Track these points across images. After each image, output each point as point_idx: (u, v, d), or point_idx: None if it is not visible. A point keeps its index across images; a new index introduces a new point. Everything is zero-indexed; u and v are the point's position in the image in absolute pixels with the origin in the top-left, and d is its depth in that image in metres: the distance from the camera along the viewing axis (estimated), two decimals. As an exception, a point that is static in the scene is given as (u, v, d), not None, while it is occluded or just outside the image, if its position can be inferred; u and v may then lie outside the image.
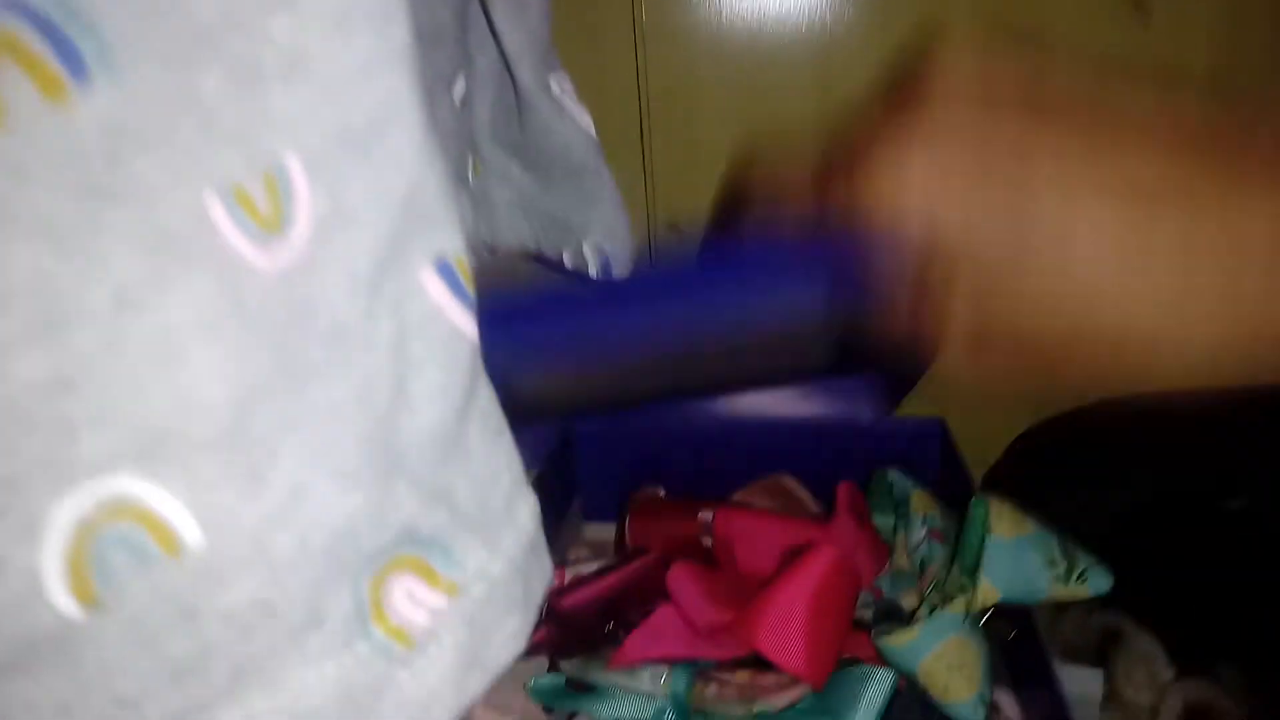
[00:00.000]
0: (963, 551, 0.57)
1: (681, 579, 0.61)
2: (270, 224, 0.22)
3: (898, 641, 0.53)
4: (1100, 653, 0.67)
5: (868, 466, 0.81)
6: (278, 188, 0.22)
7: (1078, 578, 0.53)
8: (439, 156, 0.26)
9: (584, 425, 0.86)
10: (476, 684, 0.25)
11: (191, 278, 0.21)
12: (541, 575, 0.28)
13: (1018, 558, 0.53)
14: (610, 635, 0.64)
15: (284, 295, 0.22)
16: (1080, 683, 0.63)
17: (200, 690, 0.21)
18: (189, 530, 0.21)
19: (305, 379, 0.22)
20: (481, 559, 0.26)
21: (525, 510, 0.28)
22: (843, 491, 0.67)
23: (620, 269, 0.49)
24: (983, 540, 0.54)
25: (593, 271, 0.49)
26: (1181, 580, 0.66)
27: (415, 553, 0.25)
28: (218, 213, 0.21)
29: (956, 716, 0.53)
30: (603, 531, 0.86)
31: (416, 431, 0.25)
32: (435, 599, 0.25)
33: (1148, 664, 0.63)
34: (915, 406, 0.86)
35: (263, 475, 0.21)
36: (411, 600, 0.24)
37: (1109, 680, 0.64)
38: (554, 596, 0.63)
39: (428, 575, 0.25)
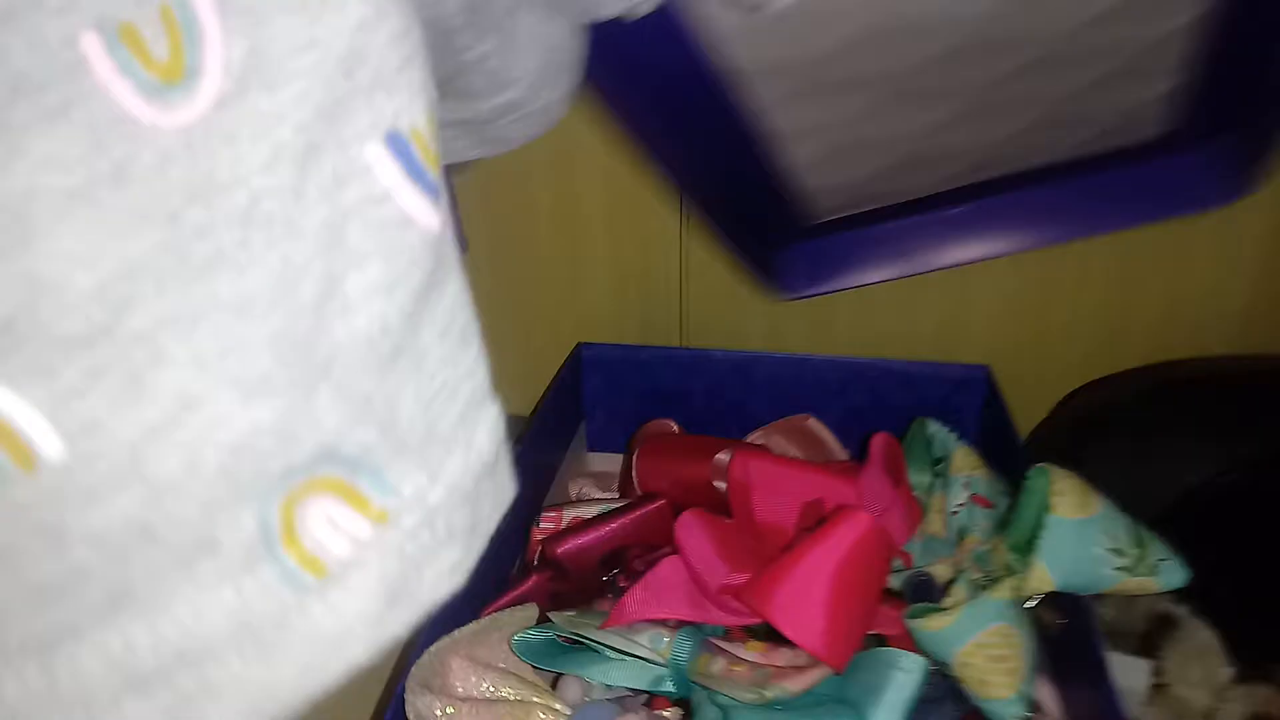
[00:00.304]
0: (1015, 525, 0.50)
1: (691, 530, 0.55)
2: (169, 73, 0.19)
3: (933, 626, 0.47)
4: (1147, 640, 0.60)
5: (901, 412, 0.74)
6: (179, 28, 0.19)
7: (1148, 570, 0.46)
8: (399, 6, 0.20)
9: (591, 350, 0.79)
10: (402, 620, 0.23)
11: (55, 131, 0.17)
12: (496, 501, 0.25)
13: (1080, 543, 0.46)
14: (610, 584, 0.58)
15: (184, 162, 0.19)
16: (1123, 673, 0.57)
17: (67, 614, 0.20)
18: (48, 443, 0.19)
19: (207, 267, 0.19)
20: (419, 484, 0.23)
21: (484, 431, 0.25)
22: (877, 443, 0.60)
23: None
24: (1040, 517, 0.47)
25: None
26: (1249, 567, 0.60)
27: (339, 474, 0.22)
28: (94, 51, 0.18)
29: (994, 716, 0.47)
30: (608, 463, 0.79)
31: (350, 335, 0.22)
32: (360, 526, 0.22)
33: (1205, 659, 0.57)
34: (959, 351, 0.79)
35: (142, 380, 0.19)
36: (332, 526, 0.21)
37: (1158, 673, 0.58)
38: (549, 542, 0.56)
39: (353, 499, 0.22)
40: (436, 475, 0.23)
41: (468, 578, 0.24)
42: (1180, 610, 0.60)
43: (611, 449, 0.81)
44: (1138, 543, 0.47)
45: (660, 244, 0.81)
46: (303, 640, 0.21)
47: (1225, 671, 0.56)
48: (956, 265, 0.72)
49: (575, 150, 0.78)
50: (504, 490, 0.26)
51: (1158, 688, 0.58)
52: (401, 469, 0.23)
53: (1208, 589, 0.59)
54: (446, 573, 0.24)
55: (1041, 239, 0.69)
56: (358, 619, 0.22)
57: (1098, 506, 0.47)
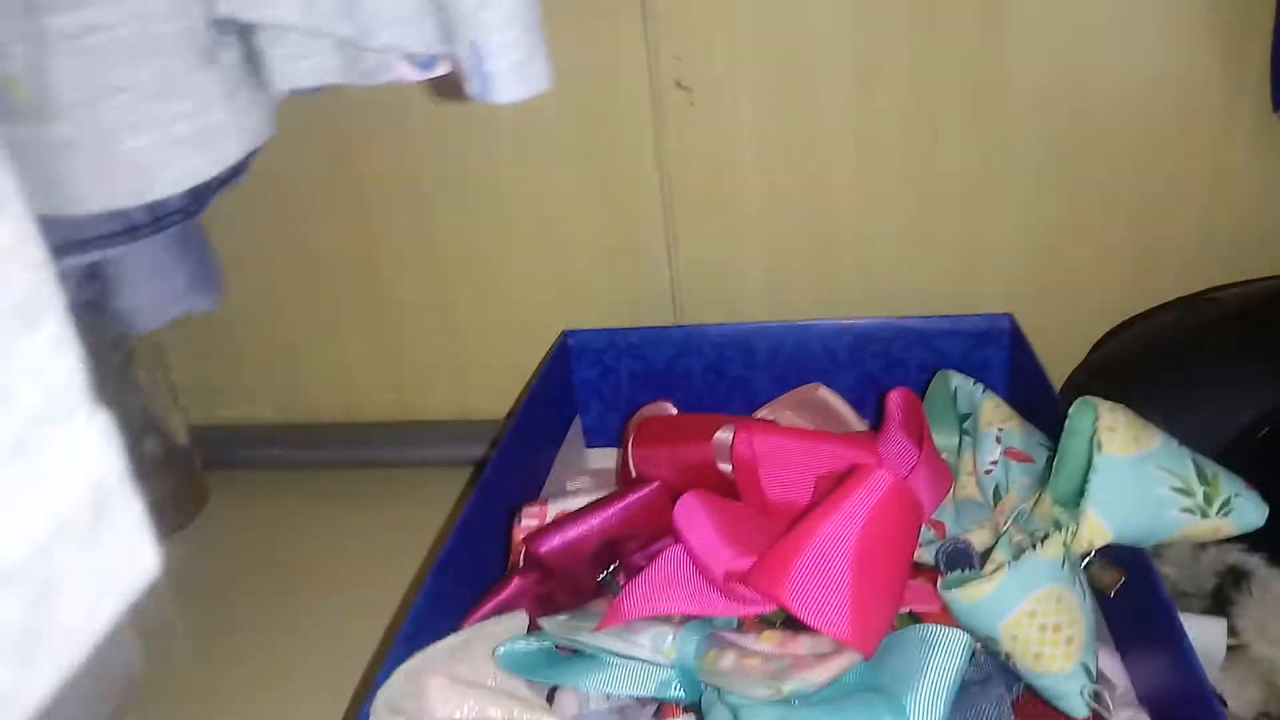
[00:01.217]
0: (1059, 474, 0.44)
1: (692, 513, 0.48)
2: None
3: (974, 595, 0.41)
4: (1217, 597, 0.53)
5: (920, 373, 0.67)
6: None
7: (1220, 509, 0.40)
8: None
9: (577, 337, 0.73)
10: None
11: None
12: (109, 586, 0.15)
13: (1138, 483, 0.40)
14: (607, 582, 0.52)
15: None
16: (1194, 635, 0.50)
17: None
18: None
19: None
20: None
21: (63, 456, 0.14)
22: (893, 400, 0.53)
23: (519, 85, 0.35)
24: (1089, 459, 0.40)
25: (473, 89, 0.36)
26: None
27: None
28: None
29: (1051, 694, 0.40)
30: (608, 458, 0.73)
31: None
32: None
33: (1287, 612, 0.50)
34: (977, 302, 0.72)
35: None
36: None
37: (1232, 633, 0.51)
38: (532, 540, 0.50)
39: None
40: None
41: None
42: (1253, 560, 0.53)
43: (610, 443, 0.75)
44: (1204, 479, 0.40)
45: (643, 216, 0.75)
46: None
47: (1314, 625, 0.49)
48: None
49: (546, 127, 0.73)
50: (127, 561, 0.16)
51: (1233, 649, 0.51)
52: None
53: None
54: None
55: None
56: None
57: (1155, 440, 0.41)
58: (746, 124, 0.71)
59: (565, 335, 0.73)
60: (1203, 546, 0.56)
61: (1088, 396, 0.42)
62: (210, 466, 0.84)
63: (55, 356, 0.14)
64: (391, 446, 0.85)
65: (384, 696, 0.41)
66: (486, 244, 0.78)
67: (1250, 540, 0.54)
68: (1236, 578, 0.53)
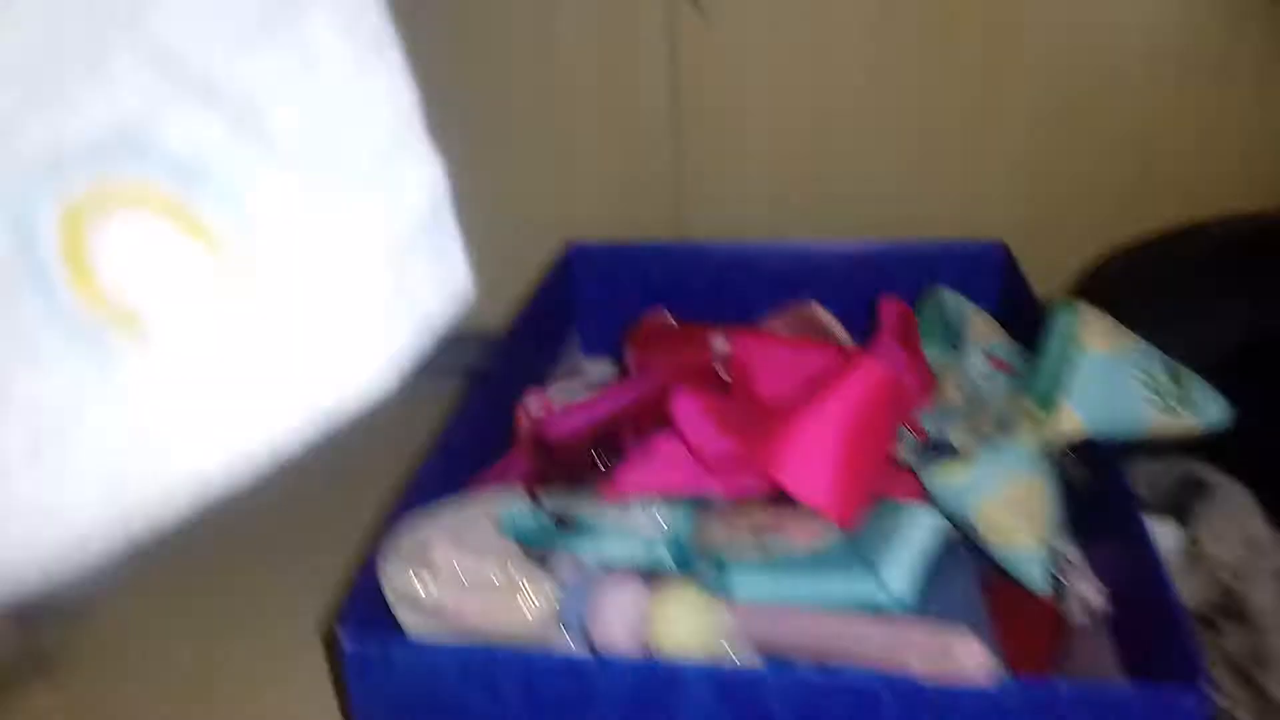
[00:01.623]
0: (1039, 370, 0.46)
1: (687, 405, 0.51)
2: None
3: (949, 477, 0.43)
4: (1178, 507, 0.57)
5: (912, 296, 0.70)
6: None
7: (1187, 407, 0.42)
8: None
9: (580, 248, 0.75)
10: (283, 423, 0.15)
11: None
12: (440, 282, 0.17)
13: (1112, 379, 0.43)
14: (602, 469, 0.55)
15: None
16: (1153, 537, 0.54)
17: None
18: None
19: None
20: (299, 220, 0.15)
21: (416, 177, 0.17)
22: (887, 309, 0.56)
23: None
24: (1067, 353, 0.43)
25: None
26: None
27: (158, 179, 0.14)
28: None
29: (1017, 569, 0.44)
30: (602, 368, 0.76)
31: None
32: (200, 271, 0.14)
33: (1239, 518, 0.53)
34: (972, 230, 0.75)
35: None
36: (145, 258, 0.14)
37: (1189, 536, 0.54)
38: (540, 425, 0.53)
39: (183, 222, 0.14)
40: (331, 212, 0.16)
41: (400, 375, 0.18)
42: (1212, 472, 0.56)
43: (608, 353, 0.77)
44: (1175, 378, 0.43)
45: (652, 134, 0.77)
46: (102, 433, 0.14)
47: (1262, 528, 0.53)
48: None
49: (561, 35, 0.74)
50: (453, 270, 0.19)
51: (1189, 552, 0.54)
52: (270, 190, 0.15)
53: (1242, 448, 0.55)
54: (356, 356, 0.16)
55: None
56: (201, 406, 0.15)
57: (1130, 342, 0.44)
58: (759, 48, 0.72)
59: (569, 246, 0.75)
60: (1167, 460, 0.59)
61: (1070, 298, 0.44)
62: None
63: (404, 82, 0.16)
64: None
65: (393, 548, 0.44)
66: (493, 155, 0.79)
67: (1212, 453, 0.57)
68: (1195, 487, 0.56)
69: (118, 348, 0.14)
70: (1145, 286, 0.62)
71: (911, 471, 0.52)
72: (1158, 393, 0.42)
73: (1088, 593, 0.42)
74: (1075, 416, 0.43)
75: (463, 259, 0.19)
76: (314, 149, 0.15)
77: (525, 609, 0.44)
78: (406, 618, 0.40)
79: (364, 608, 0.40)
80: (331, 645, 0.55)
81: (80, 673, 0.56)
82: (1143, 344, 0.44)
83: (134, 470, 0.14)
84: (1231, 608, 0.51)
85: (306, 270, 0.15)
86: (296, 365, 0.15)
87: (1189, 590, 0.53)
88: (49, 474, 0.14)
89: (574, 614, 0.42)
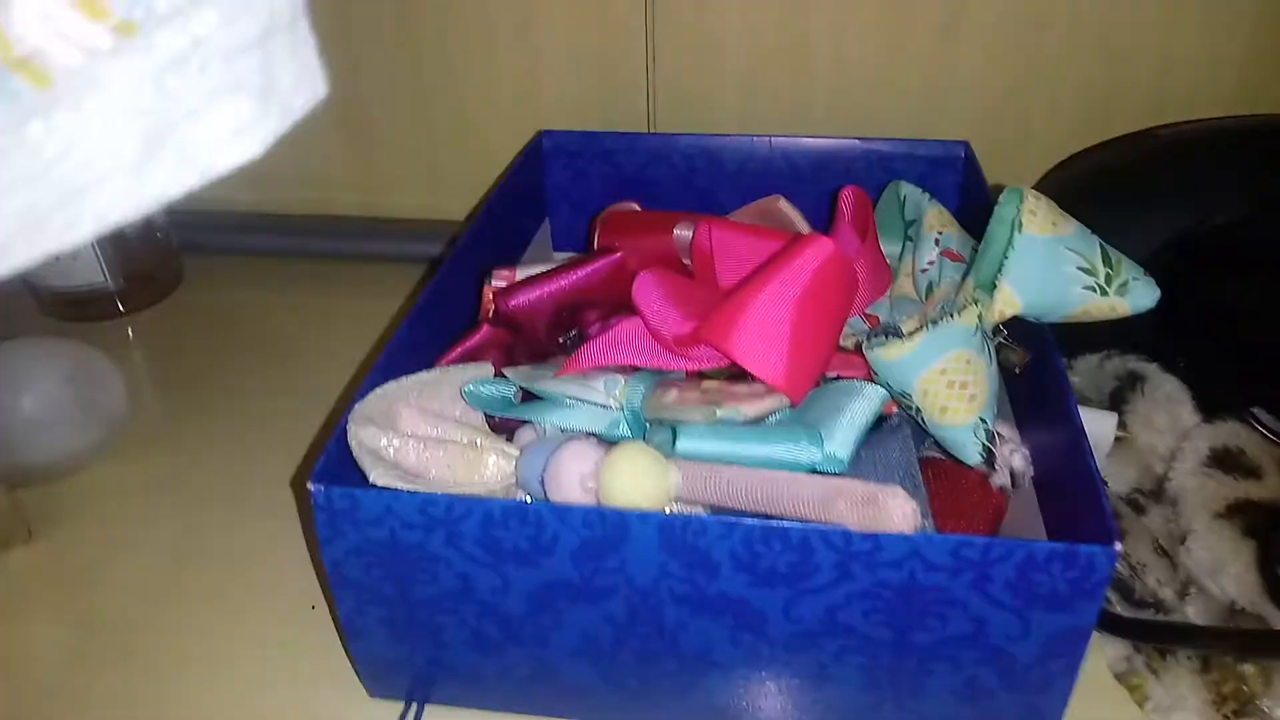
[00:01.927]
0: (983, 255, 0.48)
1: (648, 287, 0.53)
2: None
3: (893, 354, 0.45)
4: (1114, 398, 0.60)
5: (877, 193, 0.71)
6: None
7: (1118, 289, 0.44)
8: None
9: (552, 137, 0.75)
10: (169, 175, 0.17)
11: None
12: (300, 77, 0.20)
13: (1049, 261, 0.44)
14: (565, 347, 0.57)
15: None
16: (1089, 424, 0.56)
17: None
18: None
19: None
20: (177, 1, 0.17)
21: None
22: (845, 195, 0.57)
23: None
24: (1010, 239, 0.45)
25: None
26: (1215, 323, 0.58)
27: None
28: None
29: (952, 443, 0.46)
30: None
31: None
32: (94, 33, 0.16)
33: (1171, 407, 0.56)
34: (937, 131, 0.76)
35: None
36: (53, 27, 0.16)
37: (1123, 425, 0.57)
38: (500, 296, 0.54)
39: None
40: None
41: (264, 147, 0.20)
42: (1148, 366, 0.59)
43: (577, 247, 0.78)
44: (1108, 262, 0.45)
45: (625, 23, 0.77)
46: (21, 172, 0.17)
47: (1191, 416, 0.56)
48: None
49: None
50: (308, 68, 0.21)
51: (1122, 440, 0.57)
52: None
53: (1177, 343, 0.57)
54: (233, 130, 0.19)
55: None
56: (102, 155, 0.17)
57: (1070, 227, 0.45)
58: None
59: (540, 135, 0.75)
60: (1108, 357, 0.61)
61: (1016, 186, 0.46)
62: (186, 250, 0.86)
63: None
64: (361, 240, 0.88)
65: (360, 410, 0.45)
66: (463, 46, 0.79)
67: (1149, 350, 0.60)
68: (1132, 380, 0.59)
69: (21, 89, 0.16)
70: (1091, 190, 0.64)
71: (861, 355, 0.54)
72: (1092, 274, 0.44)
73: (1015, 460, 0.45)
74: (1012, 295, 0.45)
75: (317, 61, 0.21)
76: None
77: (484, 467, 0.46)
78: (372, 473, 0.42)
79: (333, 462, 0.42)
80: (302, 496, 0.58)
81: (62, 534, 0.58)
82: (1083, 229, 0.45)
83: (43, 198, 0.17)
84: (1157, 491, 0.55)
85: (185, 44, 0.17)
86: (179, 128, 0.17)
87: (1121, 475, 0.56)
88: None
89: (531, 472, 0.44)
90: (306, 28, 0.20)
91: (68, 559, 0.57)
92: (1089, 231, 0.45)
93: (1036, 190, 0.67)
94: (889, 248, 0.63)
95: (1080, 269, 0.44)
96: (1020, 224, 0.44)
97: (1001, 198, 0.47)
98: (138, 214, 0.17)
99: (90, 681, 0.50)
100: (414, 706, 0.46)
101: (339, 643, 0.50)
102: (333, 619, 0.52)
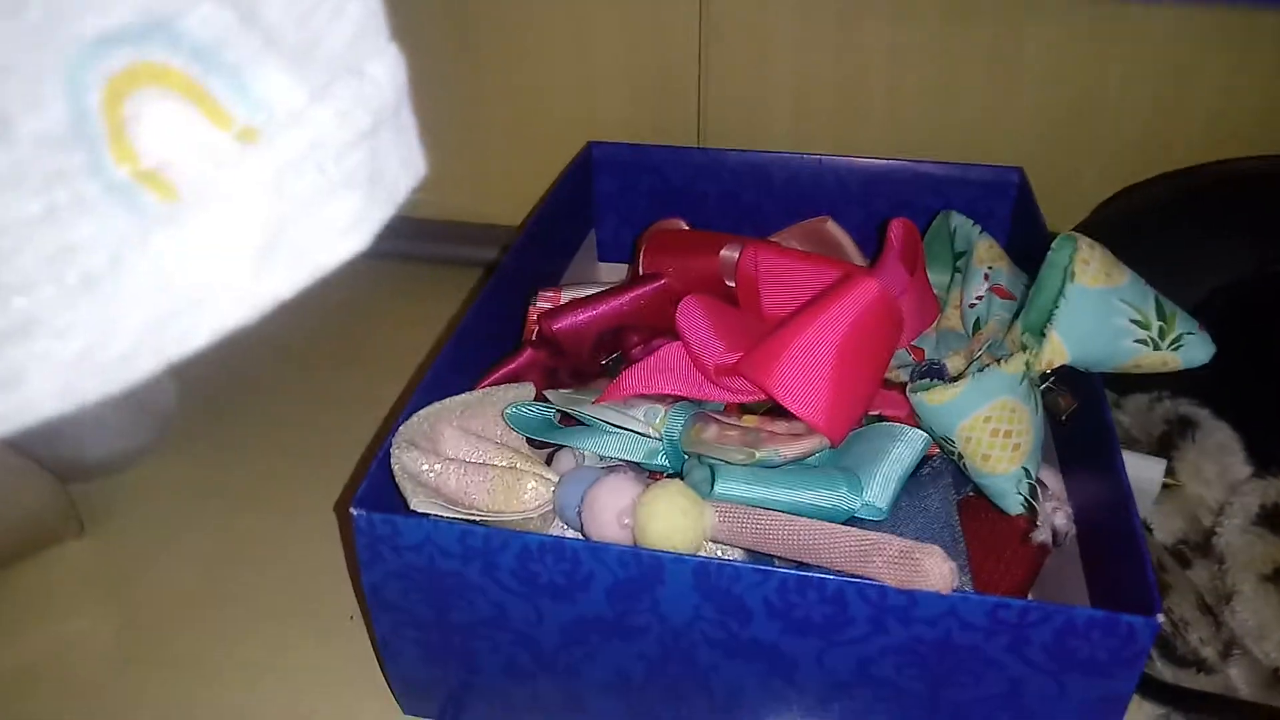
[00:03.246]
0: (1033, 301, 0.47)
1: (692, 313, 0.53)
2: None
3: (937, 398, 0.45)
4: (1164, 442, 0.58)
5: (927, 217, 0.70)
6: None
7: (1171, 344, 0.43)
8: None
9: (602, 149, 0.75)
10: (285, 277, 0.18)
11: None
12: (404, 161, 0.20)
13: (1101, 312, 0.44)
14: (607, 370, 0.57)
15: None
16: (1136, 470, 0.55)
17: None
18: None
19: None
20: (297, 102, 0.18)
21: (381, 64, 0.20)
22: (895, 229, 0.56)
23: None
24: (1062, 287, 0.44)
25: None
26: (1272, 373, 0.57)
27: (182, 65, 0.16)
28: None
29: (993, 492, 0.46)
30: (618, 274, 0.77)
31: None
32: (219, 142, 0.17)
33: (1222, 458, 0.55)
34: (991, 157, 0.74)
35: None
36: (179, 137, 0.16)
37: (1171, 473, 0.56)
38: (545, 318, 0.54)
39: (206, 105, 0.17)
40: (321, 97, 0.19)
41: (371, 238, 0.20)
42: (1200, 412, 0.57)
43: (622, 259, 0.78)
44: (1162, 315, 0.44)
45: (678, 37, 0.76)
46: (147, 283, 0.17)
47: (1243, 469, 0.54)
48: None
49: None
50: (412, 151, 0.21)
51: (1170, 487, 0.56)
52: (271, 78, 0.18)
53: (1231, 390, 0.56)
54: (343, 227, 0.19)
55: None
56: (224, 263, 0.17)
57: (1123, 277, 0.44)
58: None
59: (590, 146, 0.75)
60: (1158, 399, 0.60)
61: (1070, 233, 0.45)
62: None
63: None
64: (409, 240, 0.88)
65: (404, 433, 0.46)
66: (519, 54, 0.79)
67: (1203, 394, 0.58)
68: (1183, 426, 0.57)
69: (149, 203, 0.16)
70: (1139, 228, 0.62)
71: (904, 393, 0.53)
72: (1144, 328, 0.43)
73: (1057, 518, 0.44)
74: (1061, 346, 0.44)
75: (418, 143, 0.21)
76: (299, 39, 0.18)
77: (523, 492, 0.47)
78: (413, 497, 0.43)
79: (376, 487, 0.42)
80: (345, 520, 0.59)
81: (114, 531, 0.60)
82: (1137, 280, 0.44)
83: (165, 306, 0.17)
84: (1204, 544, 0.54)
85: (303, 146, 0.18)
86: (297, 229, 0.18)
87: (1167, 524, 0.55)
88: (99, 304, 0.16)
89: (569, 501, 0.45)
90: (409, 111, 0.20)
91: (116, 555, 0.58)
92: (1143, 282, 0.44)
93: (1092, 224, 0.67)
94: (937, 278, 0.62)
95: (1133, 321, 0.44)
96: (1073, 273, 0.43)
97: (1054, 244, 0.46)
98: (252, 319, 0.18)
99: (132, 680, 0.51)
100: (445, 725, 0.47)
101: (374, 655, 0.51)
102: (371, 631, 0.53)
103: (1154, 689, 0.46)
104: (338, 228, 0.19)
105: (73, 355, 0.16)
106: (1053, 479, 0.50)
